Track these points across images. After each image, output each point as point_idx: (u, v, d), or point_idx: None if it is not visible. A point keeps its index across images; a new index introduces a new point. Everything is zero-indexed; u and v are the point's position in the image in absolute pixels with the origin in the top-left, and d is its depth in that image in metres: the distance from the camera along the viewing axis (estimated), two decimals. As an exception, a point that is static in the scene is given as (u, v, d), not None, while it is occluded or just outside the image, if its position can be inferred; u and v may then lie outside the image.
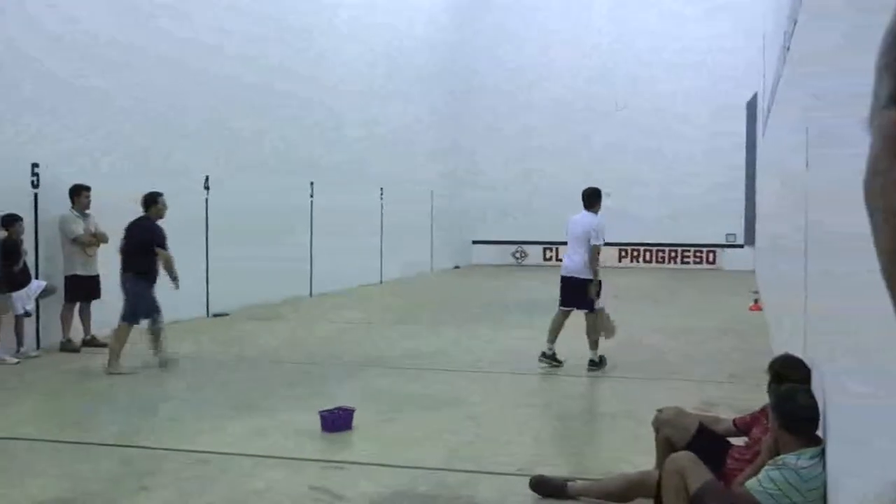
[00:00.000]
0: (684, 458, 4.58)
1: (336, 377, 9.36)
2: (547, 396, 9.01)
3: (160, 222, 9.80)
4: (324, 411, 6.96)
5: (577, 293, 9.71)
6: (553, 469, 5.78)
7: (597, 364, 9.70)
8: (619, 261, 26.45)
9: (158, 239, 9.63)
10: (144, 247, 9.57)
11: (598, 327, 9.69)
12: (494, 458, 6.24)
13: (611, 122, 26.43)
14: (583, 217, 9.78)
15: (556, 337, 9.83)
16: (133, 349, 9.75)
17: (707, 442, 5.02)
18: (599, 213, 9.85)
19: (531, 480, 5.45)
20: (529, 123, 26.99)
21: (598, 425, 7.45)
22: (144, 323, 9.74)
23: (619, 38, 26.55)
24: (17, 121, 10.32)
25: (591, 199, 9.87)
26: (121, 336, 9.52)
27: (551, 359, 9.80)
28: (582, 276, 9.69)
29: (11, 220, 10.11)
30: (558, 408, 8.33)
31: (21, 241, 10.20)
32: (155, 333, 9.76)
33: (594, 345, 9.73)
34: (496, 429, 7.28)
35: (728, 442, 5.12)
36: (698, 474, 4.43)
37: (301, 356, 10.72)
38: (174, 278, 9.71)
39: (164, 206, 9.88)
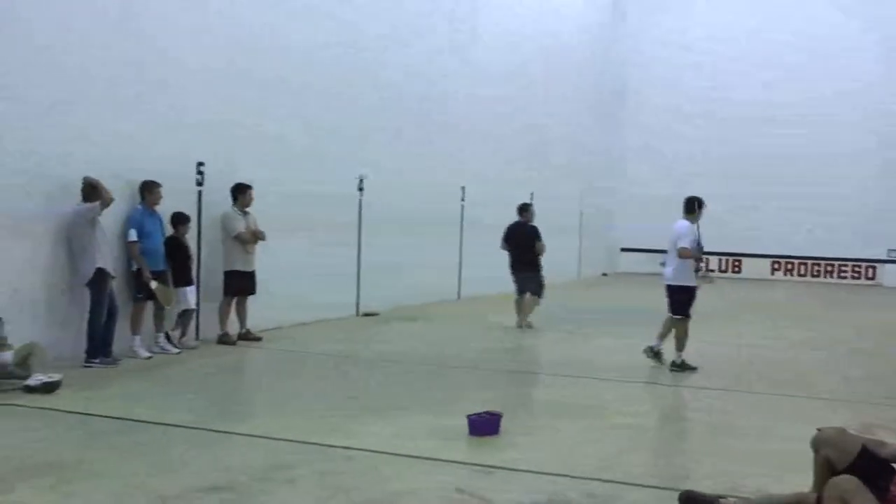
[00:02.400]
0: (848, 482, 4.23)
1: (484, 381, 9.22)
2: (696, 409, 8.67)
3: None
4: (471, 415, 6.83)
5: (671, 298, 10.21)
6: (697, 485, 5.46)
7: (679, 367, 10.00)
8: (772, 273, 25.46)
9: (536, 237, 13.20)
10: (529, 245, 13.09)
11: (682, 333, 10.11)
12: (643, 470, 6.07)
13: (766, 131, 25.38)
14: (676, 224, 10.18)
15: (665, 337, 10.27)
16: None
17: (870, 466, 4.62)
18: (696, 220, 10.13)
19: (681, 495, 5.17)
20: (683, 133, 26.22)
21: (747, 442, 7.04)
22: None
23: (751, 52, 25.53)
24: (181, 122, 10.55)
25: (687, 206, 10.21)
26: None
27: (655, 355, 10.23)
28: (673, 283, 10.16)
29: (180, 220, 10.43)
30: (708, 422, 7.97)
31: (187, 241, 10.49)
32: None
33: (680, 347, 10.11)
34: (645, 440, 7.05)
35: (893, 468, 4.68)
36: (863, 501, 4.07)
37: (448, 358, 10.61)
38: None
39: (534, 214, 13.56)
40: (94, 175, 9.13)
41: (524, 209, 13.79)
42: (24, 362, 8.02)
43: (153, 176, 9.98)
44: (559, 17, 22.62)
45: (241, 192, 11.11)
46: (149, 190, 9.96)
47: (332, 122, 13.41)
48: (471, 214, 17.55)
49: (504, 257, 13.88)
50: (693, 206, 10.16)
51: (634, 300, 18.53)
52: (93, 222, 9.10)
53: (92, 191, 9.10)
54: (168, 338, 10.27)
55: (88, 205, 9.06)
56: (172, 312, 10.36)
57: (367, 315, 14.15)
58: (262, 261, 11.21)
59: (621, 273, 26.52)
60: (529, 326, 13.32)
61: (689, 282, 10.16)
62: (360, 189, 14.19)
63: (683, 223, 10.10)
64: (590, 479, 5.73)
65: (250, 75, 11.67)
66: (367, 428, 6.89)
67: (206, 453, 6.12)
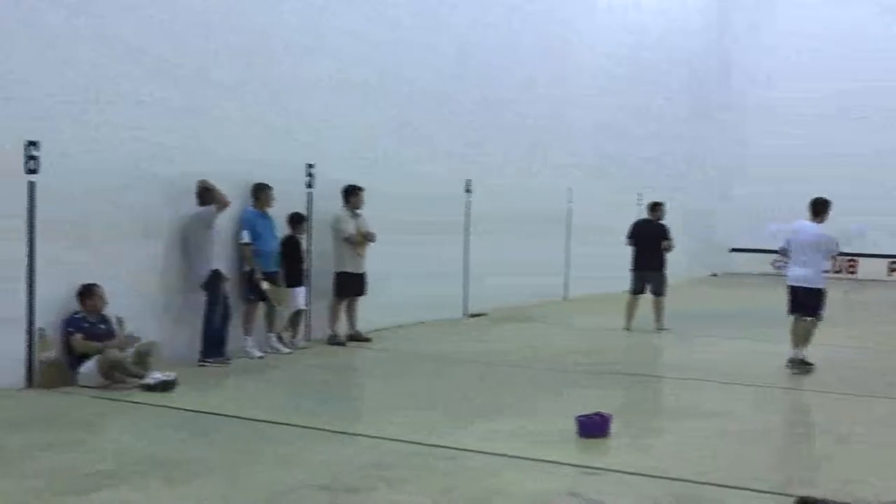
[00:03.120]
0: None
1: (594, 383, 9.00)
2: (816, 414, 8.34)
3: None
4: (581, 416, 6.67)
5: (807, 301, 9.81)
6: (813, 491, 5.16)
7: (799, 364, 9.70)
8: (889, 274, 24.38)
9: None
10: (656, 244, 12.96)
11: (810, 333, 9.85)
12: (757, 475, 5.82)
13: (881, 130, 24.25)
14: (813, 227, 9.82)
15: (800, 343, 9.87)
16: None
17: None
18: (823, 221, 9.87)
19: (797, 501, 4.84)
20: (788, 131, 25.25)
21: (866, 449, 6.65)
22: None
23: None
24: (291, 127, 10.71)
25: (820, 207, 9.89)
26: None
27: (799, 363, 9.76)
28: (813, 286, 9.80)
29: (298, 220, 10.50)
30: (827, 427, 7.59)
31: (302, 241, 10.56)
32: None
33: (803, 345, 9.80)
34: (762, 444, 6.77)
35: None
36: None
37: (557, 359, 10.42)
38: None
39: (665, 212, 13.41)
40: (208, 178, 9.26)
41: (655, 207, 13.45)
42: (143, 360, 8.19)
43: (264, 178, 10.05)
44: (668, 17, 22.15)
45: (352, 194, 11.08)
46: (261, 192, 10.00)
47: (440, 124, 13.42)
48: (577, 214, 17.28)
49: (611, 258, 13.65)
50: (822, 208, 9.88)
51: (746, 301, 17.97)
52: (209, 225, 9.22)
53: (207, 194, 9.22)
54: (280, 338, 10.32)
55: (206, 208, 9.18)
56: (284, 313, 10.39)
57: (474, 316, 14.03)
58: (372, 262, 11.19)
59: (732, 273, 25.72)
60: (662, 328, 12.94)
61: (825, 284, 10.02)
62: (468, 191, 14.11)
63: (813, 226, 9.87)
64: (703, 483, 5.52)
65: (359, 81, 11.79)
66: (474, 428, 6.81)
67: (315, 452, 6.11)
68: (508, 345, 11.49)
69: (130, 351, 8.20)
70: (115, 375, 8.01)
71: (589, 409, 6.85)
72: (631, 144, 19.79)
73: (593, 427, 6.60)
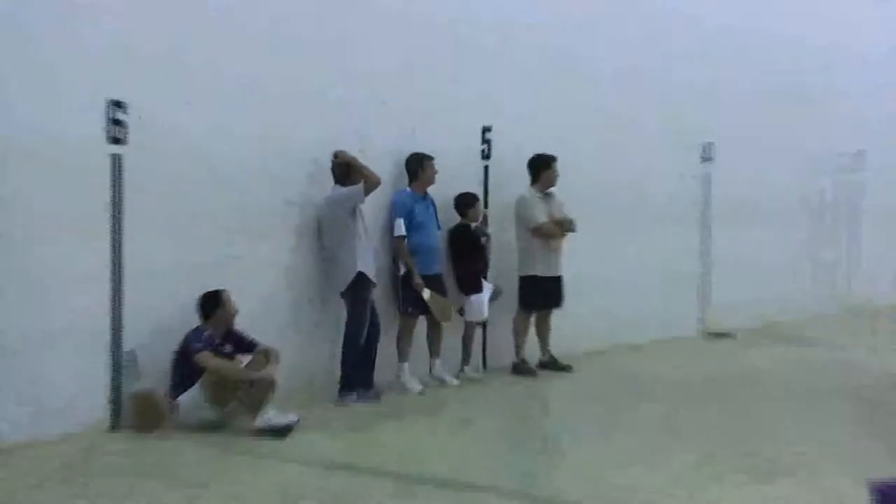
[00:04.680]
0: None
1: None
2: None
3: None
4: (881, 484, 5.56)
5: None
6: None
7: None
8: None
9: None
10: None
11: None
12: None
13: None
14: None
15: None
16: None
17: None
18: None
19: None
20: None
21: None
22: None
23: None
24: (457, 74, 10.49)
25: None
26: None
27: None
28: None
29: (468, 202, 10.25)
30: None
31: (480, 230, 10.39)
32: None
33: None
34: None
35: None
36: None
37: (853, 396, 9.75)
38: None
39: None
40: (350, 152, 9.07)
41: None
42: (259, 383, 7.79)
43: (421, 148, 9.81)
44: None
45: (543, 167, 10.74)
46: (419, 166, 9.73)
47: (676, 81, 13.15)
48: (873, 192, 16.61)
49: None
50: None
51: None
52: (353, 213, 8.97)
53: (348, 171, 8.99)
54: (463, 366, 10.27)
55: (348, 189, 8.93)
56: (453, 331, 10.15)
57: (715, 335, 13.47)
58: (570, 262, 10.82)
59: None
60: None
61: None
62: (706, 159, 13.65)
63: None
64: None
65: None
66: (734, 491, 6.47)
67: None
68: (764, 372, 11.11)
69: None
70: (226, 400, 7.74)
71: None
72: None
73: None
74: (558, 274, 10.76)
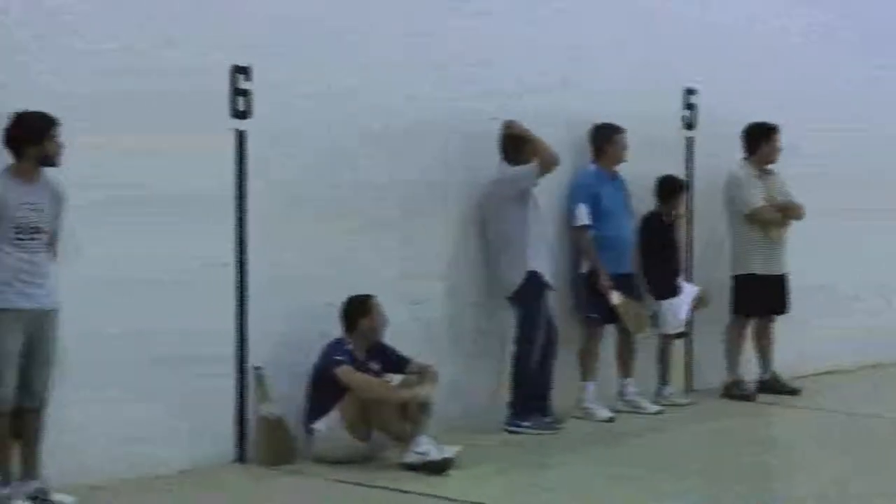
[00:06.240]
0: None
1: None
2: None
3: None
4: None
5: None
6: None
7: None
8: None
9: None
10: None
11: None
12: None
13: None
14: None
15: None
16: None
17: None
18: None
19: None
20: None
21: None
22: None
23: None
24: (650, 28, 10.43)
25: None
26: None
27: None
28: None
29: (673, 188, 10.19)
30: None
31: (675, 221, 10.40)
32: None
33: None
34: None
35: None
36: None
37: None
38: None
39: None
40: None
41: None
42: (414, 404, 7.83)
43: (608, 117, 9.72)
44: None
45: (762, 139, 10.64)
46: (607, 140, 9.69)
47: None
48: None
49: None
50: None
51: None
52: (524, 197, 9.02)
53: (520, 145, 8.96)
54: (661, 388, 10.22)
55: (518, 168, 8.93)
56: (648, 345, 10.15)
57: None
58: (796, 256, 10.67)
59: None
60: None
61: None
62: None
63: None
64: None
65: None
66: None
67: None
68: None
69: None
70: (371, 427, 7.75)
71: None
72: None
73: None
74: (782, 272, 10.62)
